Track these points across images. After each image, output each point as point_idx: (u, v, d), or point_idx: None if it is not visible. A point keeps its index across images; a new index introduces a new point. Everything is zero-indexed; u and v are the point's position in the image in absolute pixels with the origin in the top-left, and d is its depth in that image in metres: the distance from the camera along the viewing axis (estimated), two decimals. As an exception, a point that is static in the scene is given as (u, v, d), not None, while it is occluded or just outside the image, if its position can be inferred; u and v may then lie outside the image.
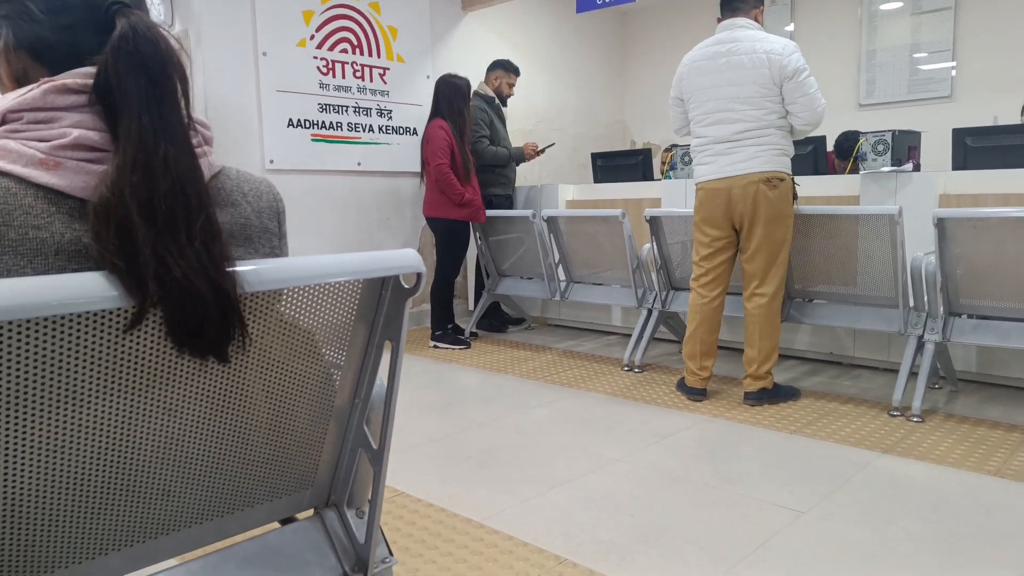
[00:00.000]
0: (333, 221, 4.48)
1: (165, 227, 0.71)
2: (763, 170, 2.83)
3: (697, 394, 3.08)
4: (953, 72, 4.97)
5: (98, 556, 0.85)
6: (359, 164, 4.56)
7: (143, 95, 0.72)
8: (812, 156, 3.76)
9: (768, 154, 2.83)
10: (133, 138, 0.72)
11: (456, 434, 2.73)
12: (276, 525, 1.08)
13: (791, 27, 5.67)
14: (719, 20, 3.02)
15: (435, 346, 4.28)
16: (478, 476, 2.31)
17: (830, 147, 4.12)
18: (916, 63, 5.11)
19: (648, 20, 6.54)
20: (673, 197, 4.04)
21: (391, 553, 1.11)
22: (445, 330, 4.32)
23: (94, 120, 0.75)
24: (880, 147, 3.22)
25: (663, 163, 5.07)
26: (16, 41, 0.82)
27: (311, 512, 1.11)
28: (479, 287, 4.78)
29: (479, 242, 4.50)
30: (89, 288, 0.67)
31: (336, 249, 4.45)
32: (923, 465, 2.30)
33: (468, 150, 4.23)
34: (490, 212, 4.34)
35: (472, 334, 4.54)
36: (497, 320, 4.81)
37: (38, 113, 0.74)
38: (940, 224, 2.63)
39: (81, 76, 0.76)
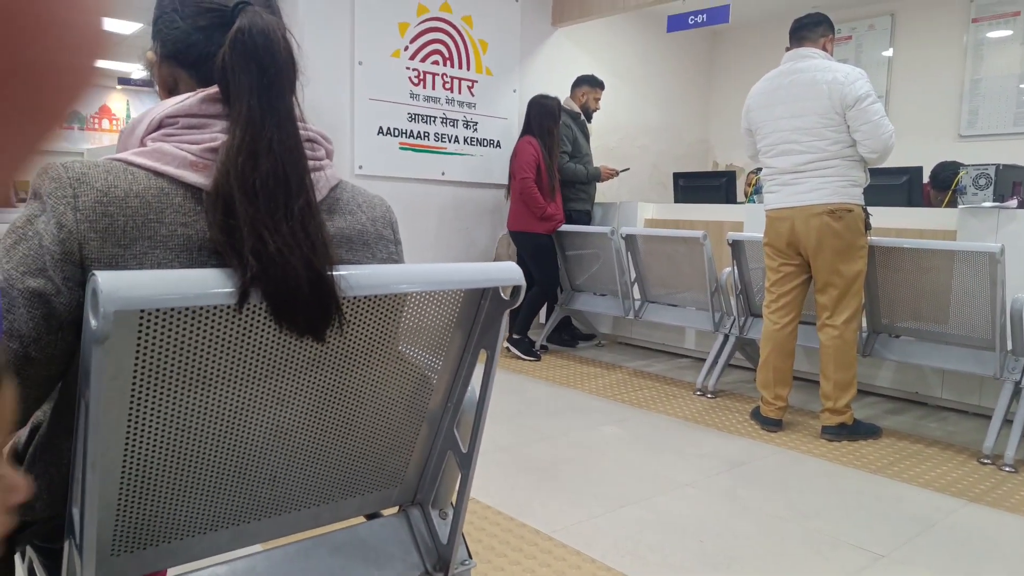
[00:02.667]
0: (414, 227, 4.59)
1: (264, 205, 0.75)
2: (827, 202, 2.76)
3: (772, 425, 3.01)
4: (1065, 105, 4.70)
5: (209, 531, 0.91)
6: (443, 174, 4.67)
7: (253, 82, 0.77)
8: (906, 186, 3.62)
9: (833, 185, 2.77)
10: (241, 121, 0.76)
11: (525, 444, 2.75)
12: (362, 519, 1.13)
13: (890, 52, 5.48)
14: (787, 50, 2.99)
15: (508, 348, 4.30)
16: (546, 488, 2.32)
17: (926, 178, 3.96)
18: (1024, 94, 4.86)
19: (737, 41, 6.45)
20: (756, 222, 3.95)
21: (470, 556, 1.14)
22: (524, 336, 4.35)
23: None
24: (982, 181, 3.07)
25: (747, 186, 4.98)
26: (163, 51, 0.90)
27: (395, 509, 1.16)
28: (552, 301, 4.80)
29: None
30: (212, 283, 0.73)
31: (415, 255, 4.56)
32: (1015, 518, 2.18)
33: (556, 168, 4.30)
34: (568, 227, 4.36)
35: (542, 347, 4.56)
36: (568, 335, 4.82)
37: (192, 119, 0.81)
38: (1046, 265, 2.50)
39: None
